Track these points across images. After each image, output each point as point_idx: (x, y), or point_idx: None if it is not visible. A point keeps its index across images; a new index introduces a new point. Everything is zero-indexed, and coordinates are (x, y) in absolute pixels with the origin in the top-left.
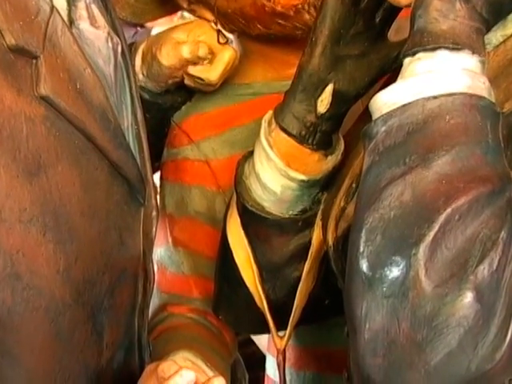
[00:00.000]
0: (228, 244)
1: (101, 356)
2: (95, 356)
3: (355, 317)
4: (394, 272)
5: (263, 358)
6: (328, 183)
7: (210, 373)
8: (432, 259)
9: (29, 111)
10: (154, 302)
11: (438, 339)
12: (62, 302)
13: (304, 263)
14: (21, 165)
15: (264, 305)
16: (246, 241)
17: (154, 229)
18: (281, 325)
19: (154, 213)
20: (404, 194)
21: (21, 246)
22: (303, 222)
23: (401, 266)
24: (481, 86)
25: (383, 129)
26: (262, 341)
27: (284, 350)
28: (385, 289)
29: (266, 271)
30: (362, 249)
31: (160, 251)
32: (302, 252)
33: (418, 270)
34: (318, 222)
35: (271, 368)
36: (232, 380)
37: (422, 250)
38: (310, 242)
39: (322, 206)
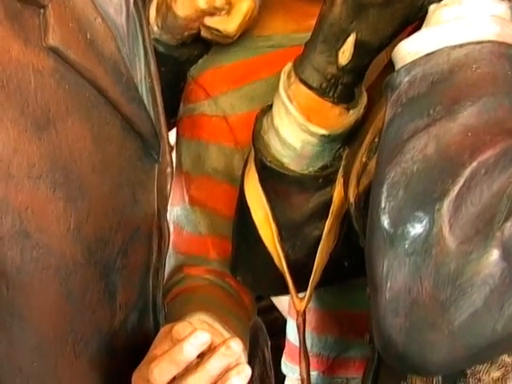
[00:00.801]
0: (246, 202)
1: (114, 317)
2: (108, 317)
3: (376, 275)
4: (417, 228)
5: (286, 325)
6: (350, 138)
7: (227, 335)
8: (456, 215)
9: (37, 63)
10: (170, 263)
11: (463, 298)
12: (72, 261)
13: (325, 221)
14: (29, 119)
15: (283, 265)
16: (264, 198)
17: (168, 186)
18: (301, 286)
19: (169, 169)
20: (428, 147)
21: (30, 202)
22: (324, 178)
23: (424, 222)
24: (510, 34)
25: (406, 79)
26: (283, 305)
27: (304, 312)
28: (407, 246)
29: (286, 230)
30: (383, 204)
31: (176, 211)
32: (323, 210)
33: (442, 227)
34: (340, 179)
35: (291, 332)
36: (254, 347)
37: (446, 205)
38: (330, 200)
39: (343, 162)
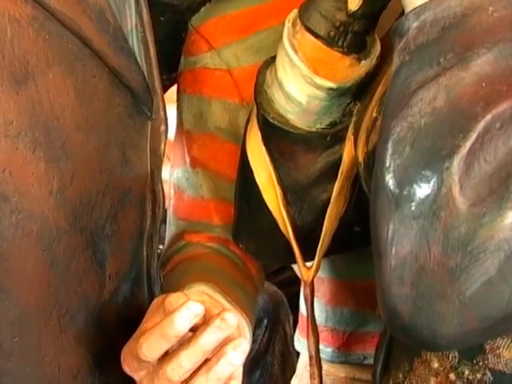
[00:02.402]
0: (248, 162)
1: (103, 288)
2: (96, 288)
3: (380, 241)
4: (424, 189)
5: None
6: (361, 92)
7: (229, 308)
8: (468, 174)
9: (13, 10)
10: (171, 231)
11: (474, 266)
12: (56, 227)
13: (334, 183)
14: (5, 72)
15: (289, 231)
16: (267, 159)
17: (162, 145)
18: (308, 254)
19: (163, 127)
20: (437, 98)
21: (7, 163)
22: (332, 136)
23: (432, 182)
24: None
25: (415, 24)
26: None
27: (312, 282)
28: (413, 208)
29: (291, 193)
30: (387, 163)
31: (177, 173)
32: (332, 171)
33: (452, 187)
34: (350, 137)
35: (304, 304)
36: (274, 322)
37: (457, 163)
38: (340, 160)
39: (354, 118)
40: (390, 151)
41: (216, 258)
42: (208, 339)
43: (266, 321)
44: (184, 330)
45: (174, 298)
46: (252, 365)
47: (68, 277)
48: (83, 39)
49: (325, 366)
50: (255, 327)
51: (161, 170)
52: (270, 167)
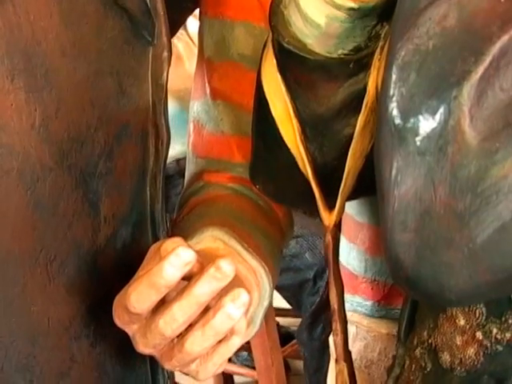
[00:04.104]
0: (263, 93)
1: (97, 232)
2: (89, 232)
3: (383, 180)
4: (430, 121)
5: None
6: (389, 12)
7: (247, 256)
8: (479, 104)
9: None
10: (190, 170)
11: (486, 209)
12: (40, 164)
13: (358, 116)
14: None
15: (308, 170)
16: (283, 89)
17: (164, 74)
18: (330, 196)
19: (166, 53)
20: (447, 17)
21: None
22: (356, 63)
23: (438, 114)
24: None
25: None
26: None
27: (335, 227)
28: (418, 143)
29: (310, 127)
30: (391, 91)
31: (197, 106)
32: (356, 102)
33: (460, 119)
34: (376, 63)
35: (344, 252)
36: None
37: (467, 91)
38: (364, 90)
39: (381, 43)
40: (393, 78)
41: (236, 199)
42: (202, 289)
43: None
44: (174, 279)
45: (170, 244)
46: (314, 318)
47: (56, 219)
48: None
49: (365, 322)
50: (317, 278)
51: (165, 103)
52: (287, 98)
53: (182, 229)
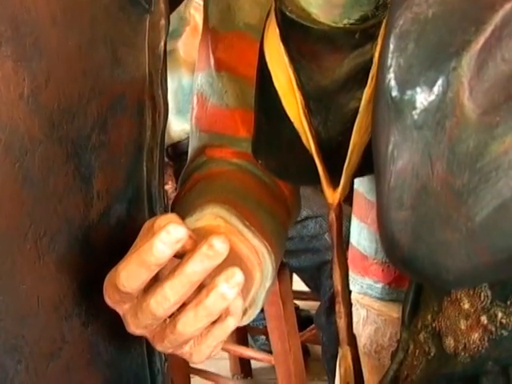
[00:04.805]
0: (266, 65)
1: (89, 208)
2: (81, 207)
3: (379, 155)
4: (428, 93)
5: None
6: None
7: (249, 234)
8: (479, 75)
9: None
10: (193, 144)
11: (485, 187)
12: (28, 136)
13: (364, 89)
14: None
15: (311, 146)
16: (286, 60)
17: (162, 43)
18: (335, 173)
19: (163, 21)
20: None
21: None
22: (362, 33)
23: (436, 86)
24: None
25: None
26: None
27: (338, 205)
28: (416, 116)
29: (314, 100)
30: (389, 62)
31: (200, 78)
32: (361, 74)
33: (459, 91)
34: (383, 34)
35: (355, 233)
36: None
37: (466, 62)
38: (371, 61)
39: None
40: (391, 48)
41: (240, 176)
42: (194, 268)
43: None
44: (164, 257)
45: (162, 221)
46: (332, 302)
47: (45, 194)
48: None
49: (375, 305)
50: None
51: (162, 73)
52: (290, 70)
53: (182, 205)
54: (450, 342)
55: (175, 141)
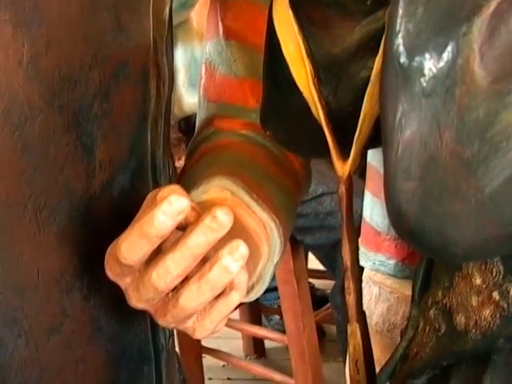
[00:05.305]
0: (274, 32)
1: (91, 178)
2: (83, 178)
3: (387, 124)
4: (437, 59)
5: None
6: None
7: (256, 208)
8: (491, 42)
9: None
10: (201, 115)
11: (495, 157)
12: (28, 104)
13: (375, 58)
14: None
15: (321, 116)
16: (295, 27)
17: (167, 9)
18: (345, 145)
19: None
20: None
21: None
22: None
23: (446, 52)
24: None
25: None
26: None
27: (348, 178)
28: (424, 84)
29: (324, 69)
30: (397, 27)
31: (208, 47)
32: (373, 42)
33: (470, 57)
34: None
35: (367, 208)
36: None
37: (477, 27)
38: (383, 29)
39: None
40: (400, 12)
41: (249, 148)
42: (197, 240)
43: None
44: (166, 229)
45: (165, 192)
46: None
47: (46, 164)
48: None
49: (388, 282)
50: None
51: (168, 40)
52: (299, 37)
53: (189, 178)
54: (460, 319)
55: (188, 114)
